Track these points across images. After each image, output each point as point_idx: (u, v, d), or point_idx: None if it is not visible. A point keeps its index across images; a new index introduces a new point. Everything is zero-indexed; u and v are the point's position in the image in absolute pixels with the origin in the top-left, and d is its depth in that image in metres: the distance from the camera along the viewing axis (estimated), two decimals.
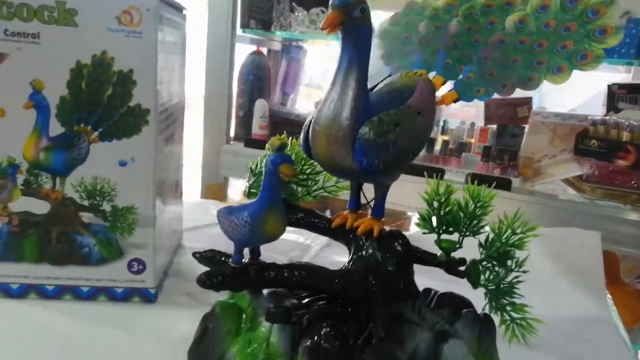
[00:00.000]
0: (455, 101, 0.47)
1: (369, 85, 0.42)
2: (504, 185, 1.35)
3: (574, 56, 0.41)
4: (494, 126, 1.59)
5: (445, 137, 1.60)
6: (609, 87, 1.55)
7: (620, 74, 1.77)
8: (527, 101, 1.64)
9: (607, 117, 1.42)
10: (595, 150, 1.37)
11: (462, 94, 0.45)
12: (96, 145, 0.49)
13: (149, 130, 0.50)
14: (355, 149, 0.39)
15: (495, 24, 0.43)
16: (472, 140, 1.63)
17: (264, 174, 0.40)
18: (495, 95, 0.45)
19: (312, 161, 0.51)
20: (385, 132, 0.39)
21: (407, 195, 0.48)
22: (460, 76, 0.45)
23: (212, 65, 1.67)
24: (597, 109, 1.61)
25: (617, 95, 1.54)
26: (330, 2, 0.38)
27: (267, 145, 0.42)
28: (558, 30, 0.41)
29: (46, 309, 0.51)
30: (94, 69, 0.48)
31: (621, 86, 1.54)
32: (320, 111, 0.41)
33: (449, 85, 0.47)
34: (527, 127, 1.55)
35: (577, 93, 1.82)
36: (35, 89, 0.47)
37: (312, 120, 0.42)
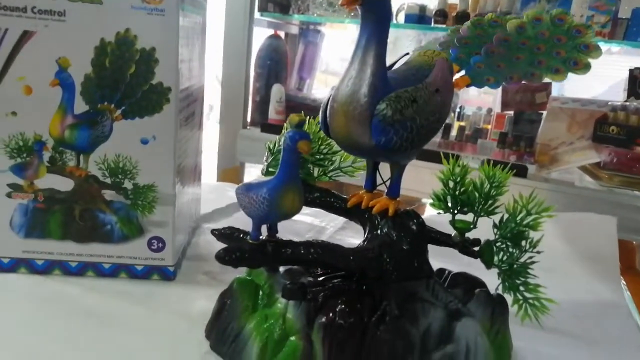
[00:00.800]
0: (468, 86, 0.48)
1: (388, 63, 0.43)
2: (520, 172, 1.35)
3: (567, 62, 0.44)
4: (511, 112, 1.58)
5: (462, 124, 1.60)
6: (631, 71, 1.52)
7: None
8: (546, 87, 1.62)
9: (628, 103, 1.39)
10: (614, 137, 1.35)
11: (474, 79, 0.47)
12: (119, 123, 0.50)
13: (170, 109, 0.51)
14: (374, 126, 0.40)
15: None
16: (489, 127, 1.63)
17: (282, 150, 0.40)
18: None
19: (329, 141, 0.52)
20: (402, 108, 0.40)
21: (423, 181, 0.49)
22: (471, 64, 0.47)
23: (229, 50, 1.67)
24: (619, 96, 1.59)
25: (639, 80, 1.51)
26: None
27: (285, 122, 0.42)
28: (552, 39, 0.44)
29: (69, 285, 0.53)
30: (117, 46, 0.48)
31: None
32: (338, 88, 0.41)
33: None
34: (544, 113, 1.54)
35: (600, 79, 1.79)
36: (61, 67, 0.48)
37: (330, 98, 0.42)
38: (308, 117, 0.52)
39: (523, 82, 0.47)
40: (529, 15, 0.45)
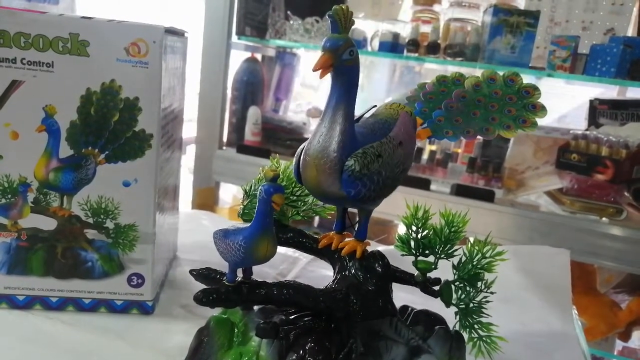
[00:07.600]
0: (429, 137, 0.52)
1: (357, 114, 0.47)
2: (487, 196, 1.40)
3: (517, 119, 0.49)
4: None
5: (433, 148, 1.65)
6: (591, 102, 1.61)
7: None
8: None
9: (588, 132, 1.47)
10: (575, 164, 1.43)
11: (434, 132, 0.52)
12: (102, 167, 0.53)
13: (152, 153, 0.53)
14: (343, 180, 0.43)
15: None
16: (459, 151, 1.68)
17: (257, 200, 0.44)
18: None
19: None
20: (369, 164, 0.43)
21: (395, 205, 0.53)
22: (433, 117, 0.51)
23: (207, 72, 1.70)
24: (583, 120, 1.67)
25: (598, 111, 1.59)
26: (322, 45, 0.43)
27: (261, 174, 0.46)
28: (504, 98, 0.49)
29: (50, 320, 0.54)
30: (102, 96, 0.51)
31: (602, 102, 1.60)
32: (310, 143, 0.45)
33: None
34: (512, 138, 1.60)
35: (570, 99, 1.87)
36: (48, 113, 0.51)
37: (303, 150, 0.46)
38: (283, 163, 0.56)
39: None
40: (484, 74, 0.50)
